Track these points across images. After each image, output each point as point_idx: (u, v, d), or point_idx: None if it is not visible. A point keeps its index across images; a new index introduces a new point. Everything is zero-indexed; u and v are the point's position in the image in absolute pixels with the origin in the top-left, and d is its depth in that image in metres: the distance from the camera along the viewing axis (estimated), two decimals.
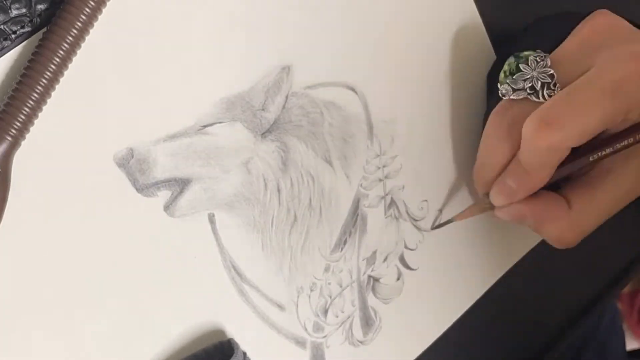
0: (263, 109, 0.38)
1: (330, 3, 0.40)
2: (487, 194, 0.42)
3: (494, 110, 0.40)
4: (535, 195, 0.40)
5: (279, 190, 0.40)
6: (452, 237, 0.47)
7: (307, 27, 0.39)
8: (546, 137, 0.36)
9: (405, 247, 0.45)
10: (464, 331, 0.48)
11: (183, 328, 0.38)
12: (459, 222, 0.45)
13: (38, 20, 0.32)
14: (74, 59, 0.32)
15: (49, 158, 0.33)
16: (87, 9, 0.32)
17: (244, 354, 0.37)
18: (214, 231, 0.38)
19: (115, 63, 0.34)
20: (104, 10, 0.32)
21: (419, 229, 0.45)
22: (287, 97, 0.39)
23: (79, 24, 0.32)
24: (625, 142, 0.38)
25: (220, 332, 0.39)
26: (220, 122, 0.37)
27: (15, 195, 0.32)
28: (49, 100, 0.32)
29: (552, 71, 0.38)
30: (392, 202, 0.44)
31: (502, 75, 0.40)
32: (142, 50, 0.35)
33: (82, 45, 0.32)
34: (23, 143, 0.32)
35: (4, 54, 0.32)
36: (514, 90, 0.39)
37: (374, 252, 0.44)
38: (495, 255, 0.48)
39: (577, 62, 0.38)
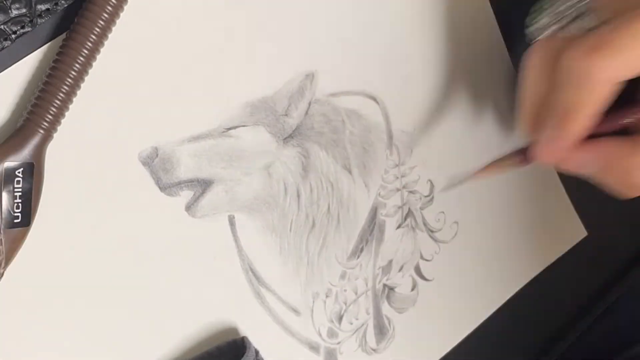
0: (286, 115, 0.39)
1: (356, 13, 0.40)
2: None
3: (537, 43, 0.35)
4: (596, 139, 0.34)
5: (298, 196, 0.40)
6: (468, 249, 0.47)
7: (331, 35, 0.40)
8: (597, 63, 0.30)
9: (421, 257, 0.45)
10: (477, 344, 0.48)
11: (199, 326, 0.38)
12: (473, 235, 0.45)
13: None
14: (102, 57, 0.33)
15: (75, 156, 0.34)
16: (113, 1, 0.32)
17: (257, 352, 0.38)
18: (233, 233, 0.38)
19: (143, 63, 0.35)
20: (132, 10, 0.33)
21: (435, 240, 0.45)
22: (309, 104, 0.40)
23: (106, 15, 0.31)
24: None
25: (234, 331, 0.39)
26: (243, 126, 0.38)
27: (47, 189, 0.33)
28: (76, 99, 0.32)
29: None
30: (409, 213, 0.44)
31: (535, 13, 0.35)
32: (171, 51, 0.35)
33: (110, 41, 0.32)
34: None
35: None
36: (558, 18, 0.35)
37: (390, 261, 0.44)
38: (511, 269, 0.48)
39: None
